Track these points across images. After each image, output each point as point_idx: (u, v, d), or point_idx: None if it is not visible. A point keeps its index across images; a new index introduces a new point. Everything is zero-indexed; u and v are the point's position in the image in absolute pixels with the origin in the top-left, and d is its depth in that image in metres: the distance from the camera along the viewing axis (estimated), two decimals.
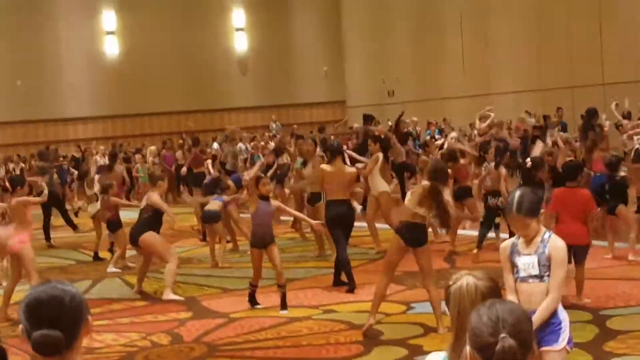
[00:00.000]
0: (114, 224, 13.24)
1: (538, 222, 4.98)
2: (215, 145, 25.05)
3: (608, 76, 27.33)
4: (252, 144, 26.76)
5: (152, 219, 11.19)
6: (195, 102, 34.23)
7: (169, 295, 10.91)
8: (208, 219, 13.29)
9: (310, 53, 36.98)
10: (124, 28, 33.70)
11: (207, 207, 13.45)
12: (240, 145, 26.96)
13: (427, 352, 7.66)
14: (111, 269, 13.01)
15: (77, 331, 2.70)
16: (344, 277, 10.80)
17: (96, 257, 14.12)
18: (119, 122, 33.64)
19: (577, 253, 8.92)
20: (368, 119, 19.56)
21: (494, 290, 2.96)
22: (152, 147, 26.28)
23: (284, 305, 9.65)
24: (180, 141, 29.58)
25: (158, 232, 11.27)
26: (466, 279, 2.97)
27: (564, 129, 22.61)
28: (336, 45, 37.26)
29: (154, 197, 11.29)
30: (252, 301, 9.98)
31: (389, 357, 7.72)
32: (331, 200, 10.90)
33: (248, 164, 23.45)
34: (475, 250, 11.86)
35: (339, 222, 10.76)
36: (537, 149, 14.95)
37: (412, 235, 8.22)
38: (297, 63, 36.79)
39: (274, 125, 33.74)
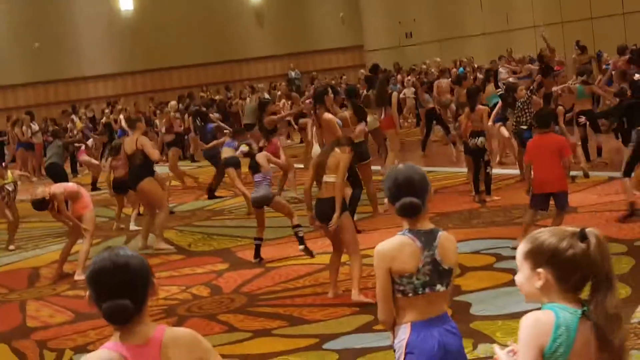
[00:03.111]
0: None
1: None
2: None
3: (628, 5, 26.85)
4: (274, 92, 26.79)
5: (146, 165, 11.35)
6: (213, 54, 34.11)
7: (160, 244, 11.22)
8: (230, 164, 13.42)
9: None
10: None
11: (223, 156, 13.62)
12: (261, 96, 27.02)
13: (465, 292, 7.77)
14: (133, 226, 13.18)
15: (145, 296, 2.75)
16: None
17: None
18: (138, 78, 33.64)
19: (557, 199, 8.76)
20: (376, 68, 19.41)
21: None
22: (173, 102, 26.26)
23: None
24: (202, 94, 29.64)
25: (153, 176, 11.56)
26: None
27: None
28: None
29: (143, 139, 11.50)
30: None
31: None
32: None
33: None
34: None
35: None
36: None
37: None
38: (313, 10, 36.48)
39: (292, 74, 33.63)
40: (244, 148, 10.65)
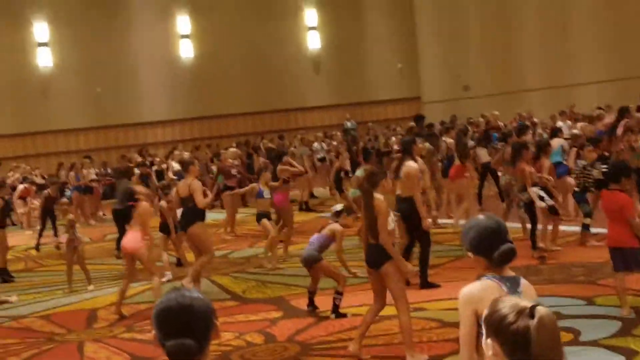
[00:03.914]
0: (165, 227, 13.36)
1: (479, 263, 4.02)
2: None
3: None
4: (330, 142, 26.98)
5: (198, 209, 11.43)
6: (270, 102, 34.52)
7: (188, 283, 11.16)
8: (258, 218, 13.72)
9: (384, 50, 36.89)
10: (198, 31, 34.15)
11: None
12: (316, 144, 27.20)
13: None
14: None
15: (208, 337, 2.80)
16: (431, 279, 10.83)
17: (179, 262, 14.26)
18: (196, 125, 34.13)
19: (625, 256, 8.50)
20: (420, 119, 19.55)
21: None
22: (232, 149, 26.57)
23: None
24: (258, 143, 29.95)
25: (204, 221, 11.63)
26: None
27: None
28: (410, 40, 37.06)
29: (195, 183, 11.53)
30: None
31: None
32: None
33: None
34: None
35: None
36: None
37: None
38: (371, 60, 36.74)
39: (348, 124, 33.79)
40: (338, 207, 10.78)
